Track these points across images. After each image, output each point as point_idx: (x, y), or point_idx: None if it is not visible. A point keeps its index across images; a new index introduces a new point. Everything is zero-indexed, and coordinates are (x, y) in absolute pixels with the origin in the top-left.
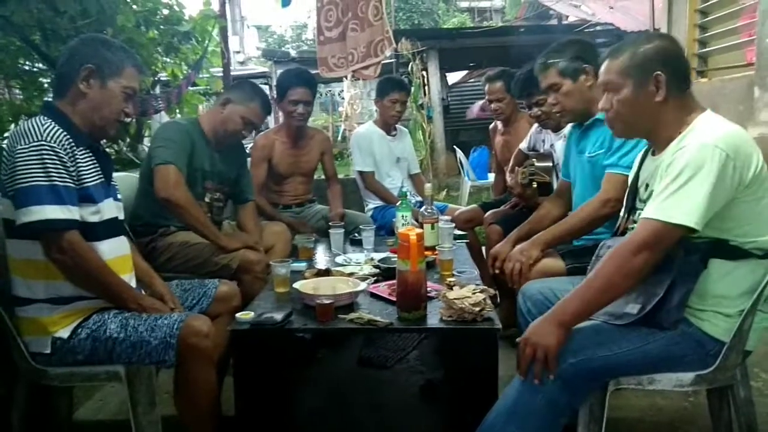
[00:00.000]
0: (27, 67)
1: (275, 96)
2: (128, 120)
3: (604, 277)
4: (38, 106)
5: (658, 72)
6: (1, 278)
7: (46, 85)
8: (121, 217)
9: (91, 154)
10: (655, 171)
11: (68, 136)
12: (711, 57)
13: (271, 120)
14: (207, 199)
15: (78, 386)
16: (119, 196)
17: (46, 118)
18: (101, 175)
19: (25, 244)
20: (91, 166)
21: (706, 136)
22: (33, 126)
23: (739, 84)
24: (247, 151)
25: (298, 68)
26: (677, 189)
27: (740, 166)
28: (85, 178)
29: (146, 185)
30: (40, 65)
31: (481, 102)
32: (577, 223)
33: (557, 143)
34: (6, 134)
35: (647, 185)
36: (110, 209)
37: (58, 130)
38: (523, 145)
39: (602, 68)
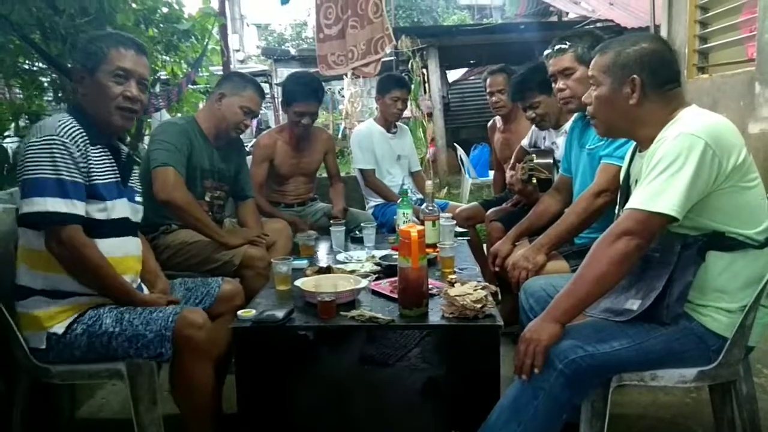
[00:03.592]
0: (27, 66)
1: (275, 95)
2: (137, 105)
3: (589, 267)
4: (38, 105)
5: (635, 76)
6: (5, 275)
7: (46, 84)
8: (135, 219)
9: (109, 154)
10: (641, 167)
11: (84, 134)
12: (712, 53)
13: (271, 118)
14: (207, 198)
15: (80, 385)
16: (138, 198)
17: (68, 115)
18: (117, 175)
19: (32, 234)
20: (107, 164)
21: (686, 126)
22: (50, 121)
23: (740, 80)
24: (247, 149)
25: (305, 76)
26: (656, 177)
27: (720, 154)
28: (95, 175)
29: (145, 185)
30: (40, 64)
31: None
32: (575, 220)
33: (558, 140)
34: (6, 133)
35: (636, 181)
36: (122, 209)
37: (73, 127)
38: (525, 143)
39: (591, 63)
